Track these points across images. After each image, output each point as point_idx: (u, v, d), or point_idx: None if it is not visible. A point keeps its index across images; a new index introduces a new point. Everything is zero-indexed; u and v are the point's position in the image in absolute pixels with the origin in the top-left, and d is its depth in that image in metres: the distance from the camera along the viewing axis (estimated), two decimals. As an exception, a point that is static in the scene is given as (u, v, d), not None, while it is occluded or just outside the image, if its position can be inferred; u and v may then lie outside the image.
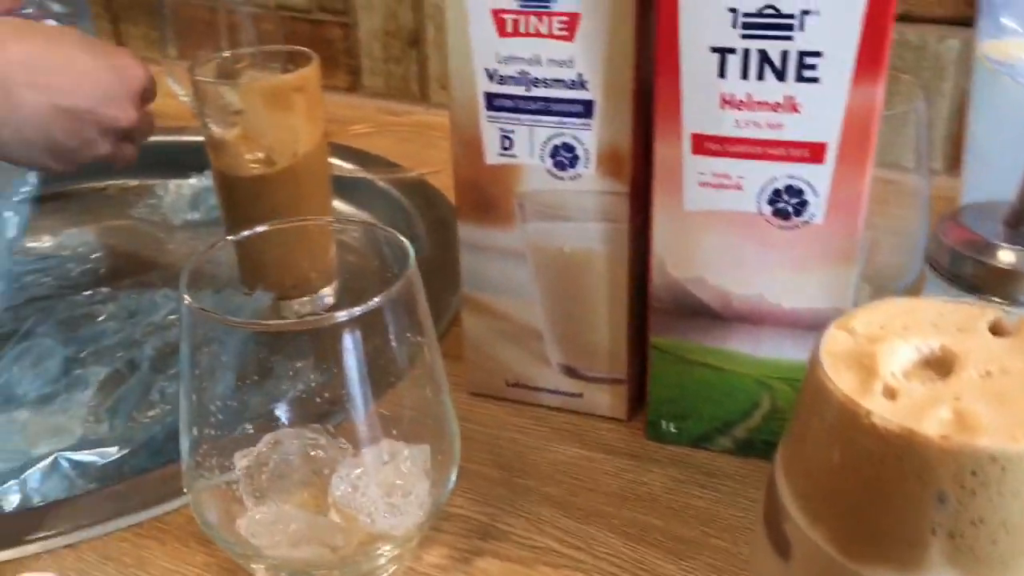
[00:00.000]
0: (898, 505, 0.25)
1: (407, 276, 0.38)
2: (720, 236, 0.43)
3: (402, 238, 0.40)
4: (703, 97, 0.41)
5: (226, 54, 0.67)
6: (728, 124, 0.41)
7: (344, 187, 0.82)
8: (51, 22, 0.71)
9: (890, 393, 0.30)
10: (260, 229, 0.44)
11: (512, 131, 0.46)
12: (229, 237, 0.43)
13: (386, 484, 0.41)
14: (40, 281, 0.73)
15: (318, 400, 0.43)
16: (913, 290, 0.50)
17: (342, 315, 0.36)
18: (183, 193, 0.86)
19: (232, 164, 0.64)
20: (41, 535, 0.45)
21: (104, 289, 0.70)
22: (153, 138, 0.92)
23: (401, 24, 0.97)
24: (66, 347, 0.63)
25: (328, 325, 0.37)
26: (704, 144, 0.42)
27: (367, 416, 0.41)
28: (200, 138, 0.64)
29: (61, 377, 0.61)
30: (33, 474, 0.51)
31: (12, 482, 0.51)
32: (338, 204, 0.81)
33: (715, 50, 0.40)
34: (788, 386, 0.46)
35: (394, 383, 0.40)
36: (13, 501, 0.51)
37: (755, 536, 0.33)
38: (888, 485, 0.25)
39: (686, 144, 0.42)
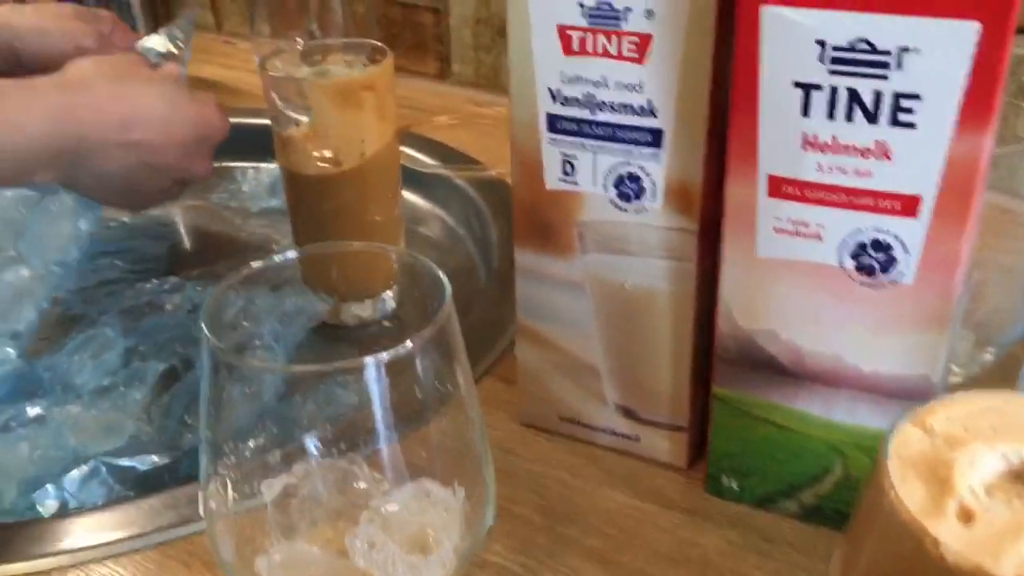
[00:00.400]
0: None
1: (440, 318, 0.35)
2: (795, 288, 0.39)
3: (441, 275, 0.37)
4: (783, 136, 0.36)
5: (300, 45, 0.65)
6: (810, 167, 0.36)
7: (421, 181, 0.80)
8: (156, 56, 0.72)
9: (966, 515, 0.26)
10: (301, 252, 0.43)
11: (574, 156, 0.43)
12: (255, 264, 0.41)
13: (412, 533, 0.39)
14: (112, 264, 0.73)
15: (346, 435, 0.41)
16: None
17: (369, 360, 0.34)
18: (261, 180, 0.85)
19: (298, 162, 0.62)
20: (67, 548, 0.45)
21: (172, 278, 0.70)
22: (237, 119, 0.92)
23: (493, 12, 0.93)
24: (127, 338, 0.62)
25: (356, 368, 0.35)
26: (782, 187, 0.37)
27: (395, 455, 0.39)
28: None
29: (120, 370, 0.60)
30: (73, 478, 0.51)
31: (51, 486, 0.50)
32: (413, 199, 0.79)
33: (799, 85, 0.35)
34: (865, 455, 0.41)
35: (426, 422, 0.38)
36: (51, 506, 0.50)
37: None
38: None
39: (762, 186, 0.38)
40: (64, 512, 0.51)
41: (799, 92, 0.35)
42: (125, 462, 0.52)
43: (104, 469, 0.51)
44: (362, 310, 0.65)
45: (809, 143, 0.36)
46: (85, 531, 0.46)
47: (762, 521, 0.45)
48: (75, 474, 0.51)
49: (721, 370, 0.43)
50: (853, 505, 0.29)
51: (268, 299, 0.58)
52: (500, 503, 0.39)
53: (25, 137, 0.54)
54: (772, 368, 0.41)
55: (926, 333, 0.38)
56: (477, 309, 0.63)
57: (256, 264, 0.40)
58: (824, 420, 0.41)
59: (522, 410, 0.51)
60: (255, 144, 0.86)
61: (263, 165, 0.87)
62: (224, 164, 0.89)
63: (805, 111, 0.35)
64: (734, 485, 0.45)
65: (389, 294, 0.65)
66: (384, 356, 0.34)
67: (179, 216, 0.84)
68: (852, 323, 0.39)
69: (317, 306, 0.61)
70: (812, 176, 0.36)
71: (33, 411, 0.56)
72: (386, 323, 0.65)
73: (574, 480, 0.48)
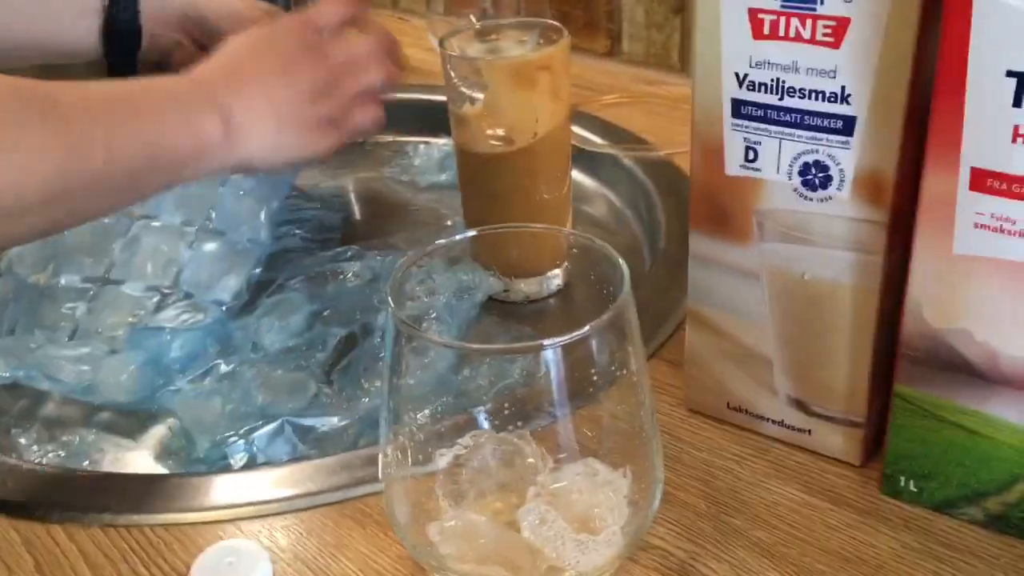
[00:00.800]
0: None
1: (619, 305, 0.35)
2: (994, 287, 0.37)
3: (620, 260, 0.37)
4: (991, 127, 0.34)
5: (478, 24, 0.66)
6: (1020, 161, 0.34)
7: (588, 161, 0.80)
8: None
9: None
10: (481, 231, 0.43)
11: (758, 142, 0.42)
12: (439, 242, 0.42)
13: (579, 512, 0.39)
14: (292, 232, 0.77)
15: (518, 410, 0.41)
16: None
17: (547, 343, 0.34)
18: (432, 155, 0.86)
19: (471, 139, 0.63)
20: (251, 500, 0.47)
21: (352, 248, 0.72)
22: (410, 95, 0.95)
23: (667, -11, 0.92)
24: (311, 303, 0.65)
25: (534, 349, 0.35)
26: (986, 181, 0.35)
27: (566, 434, 0.39)
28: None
29: (304, 332, 0.63)
30: (261, 434, 0.54)
31: (242, 441, 0.53)
32: (580, 178, 0.79)
33: (1012, 74, 0.33)
34: (1060, 465, 0.39)
35: (598, 403, 0.38)
36: (240, 459, 0.53)
37: None
38: None
39: (963, 178, 0.36)
40: (251, 465, 0.54)
41: (1011, 81, 0.33)
42: (307, 421, 0.55)
43: (289, 427, 0.54)
44: (529, 287, 0.65)
45: (1020, 135, 0.34)
46: (269, 485, 0.48)
47: (942, 526, 0.43)
48: (263, 430, 0.54)
49: (905, 368, 0.41)
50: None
51: (444, 274, 0.59)
52: (665, 488, 0.39)
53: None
54: (963, 369, 0.39)
55: None
56: (642, 291, 0.63)
57: (439, 242, 0.41)
58: (1017, 426, 0.39)
59: (688, 396, 0.51)
60: (427, 120, 0.89)
61: (434, 140, 0.89)
62: (398, 139, 0.92)
63: (1017, 101, 0.33)
64: (912, 487, 0.43)
65: (557, 272, 0.66)
66: (562, 339, 0.35)
67: (352, 188, 0.88)
68: (1056, 327, 0.36)
69: (489, 282, 0.62)
70: (1021, 170, 0.34)
71: (226, 367, 0.59)
72: (551, 300, 0.66)
73: (741, 470, 0.47)
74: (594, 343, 0.35)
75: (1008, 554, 0.41)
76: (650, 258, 0.70)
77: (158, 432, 0.58)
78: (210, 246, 0.66)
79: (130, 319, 0.62)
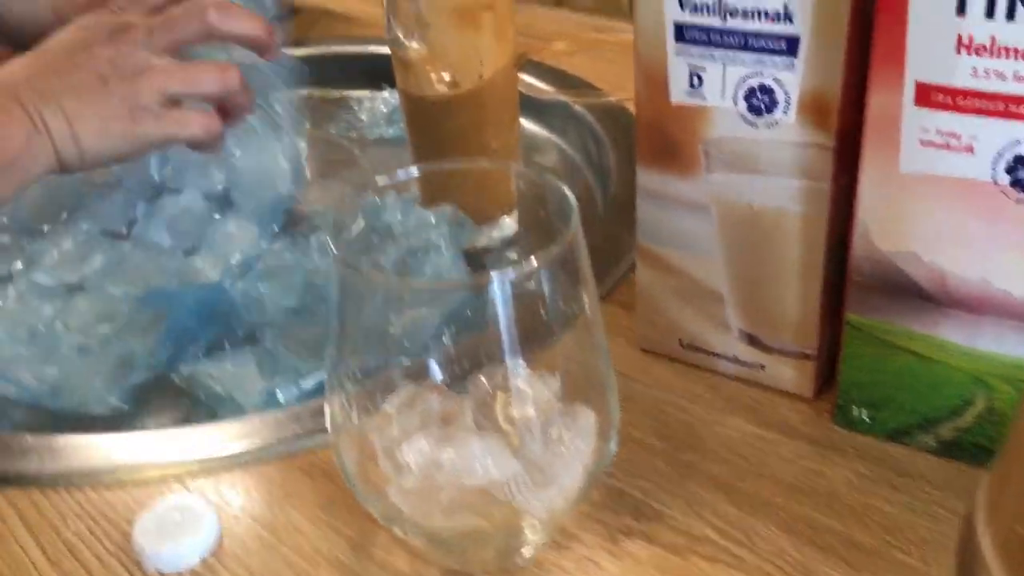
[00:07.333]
0: None
1: (567, 237, 0.34)
2: (941, 206, 0.36)
3: (568, 192, 0.36)
4: (934, 38, 0.34)
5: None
6: (963, 73, 0.33)
7: (537, 109, 0.78)
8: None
9: None
10: (426, 167, 0.42)
11: (703, 68, 0.41)
12: (378, 178, 0.40)
13: (539, 455, 0.38)
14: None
15: (469, 354, 0.40)
16: None
17: (495, 275, 0.33)
18: (378, 108, 0.85)
19: (417, 84, 0.61)
20: (196, 458, 0.46)
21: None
22: (351, 48, 0.92)
23: (614, -68, 0.90)
24: (304, 260, 0.64)
25: (481, 284, 0.34)
26: (931, 95, 0.35)
27: (520, 376, 0.38)
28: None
29: (306, 290, 0.62)
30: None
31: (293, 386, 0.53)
32: (529, 126, 0.78)
33: (955, -19, 0.32)
34: (1011, 387, 0.39)
35: (551, 343, 0.37)
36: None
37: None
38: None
39: (908, 94, 0.35)
40: (195, 420, 0.53)
41: (955, -11, 0.32)
42: None
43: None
44: (478, 236, 0.64)
45: (964, 45, 0.33)
46: (214, 440, 0.47)
47: (894, 454, 0.43)
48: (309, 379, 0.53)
49: (855, 295, 0.41)
50: (998, 439, 0.27)
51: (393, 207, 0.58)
52: (619, 428, 0.39)
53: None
54: (912, 293, 0.39)
55: (1088, 255, 0.35)
56: (594, 236, 0.62)
57: (381, 180, 0.40)
58: (968, 349, 0.39)
59: (640, 335, 0.50)
60: (370, 73, 0.87)
61: (378, 94, 0.87)
62: (344, 93, 0.89)
63: (961, 9, 0.33)
64: (865, 416, 0.43)
65: (508, 220, 0.65)
66: (511, 273, 0.33)
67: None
68: (1005, 245, 0.36)
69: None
70: (966, 82, 0.34)
71: (241, 332, 0.58)
72: (510, 255, 0.65)
73: (694, 407, 0.47)
74: (544, 278, 0.34)
75: (962, 479, 0.41)
76: (602, 204, 0.69)
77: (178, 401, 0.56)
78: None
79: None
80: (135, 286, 0.63)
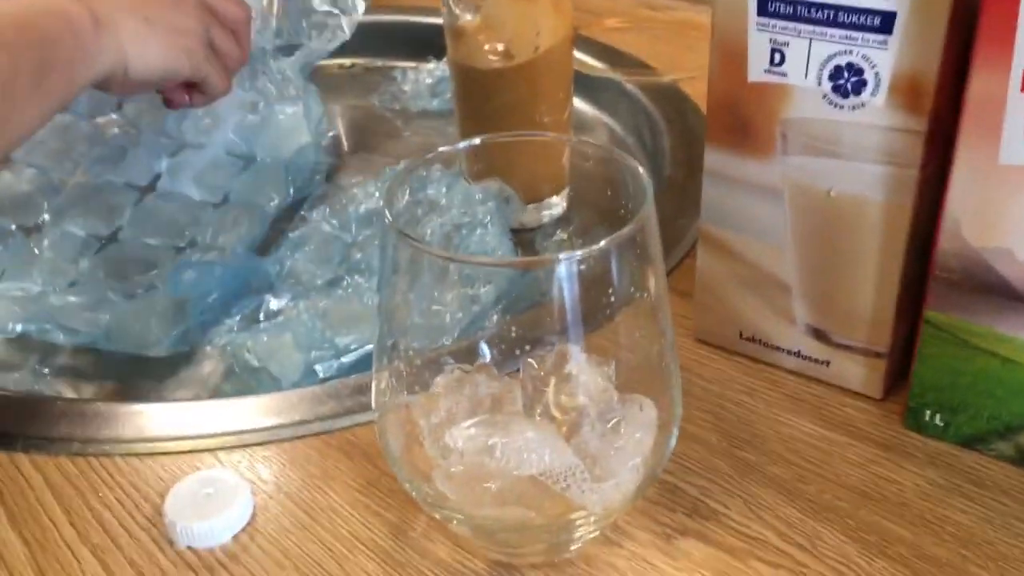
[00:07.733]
0: None
1: (641, 218, 0.32)
2: (1043, 200, 0.34)
3: (643, 172, 0.34)
4: (1051, 18, 0.31)
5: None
6: (1081, 57, 0.31)
7: (588, 86, 0.76)
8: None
9: None
10: (488, 139, 0.39)
11: (786, 43, 0.38)
12: (442, 149, 0.38)
13: (595, 446, 0.36)
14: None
15: (526, 335, 0.38)
16: None
17: (562, 256, 0.31)
18: (422, 80, 0.82)
19: (470, 55, 0.59)
20: (231, 430, 0.45)
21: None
22: (396, 17, 0.90)
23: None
24: (343, 232, 0.62)
25: (546, 263, 0.32)
26: (1042, 80, 0.32)
27: (578, 362, 0.36)
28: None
29: (343, 262, 0.60)
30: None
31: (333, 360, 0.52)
32: (580, 105, 0.75)
33: (1081, -45, 0.30)
34: (1103, 397, 0.36)
35: (611, 329, 0.35)
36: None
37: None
38: None
39: (1015, 78, 0.32)
40: (233, 393, 0.51)
41: (1080, -36, 0.30)
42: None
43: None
44: (528, 214, 0.62)
45: (1085, 26, 0.30)
46: (250, 414, 0.46)
47: (969, 462, 0.40)
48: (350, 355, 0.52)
49: (938, 292, 0.38)
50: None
51: (439, 181, 0.56)
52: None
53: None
54: (1001, 292, 0.36)
55: None
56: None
57: (429, 154, 0.38)
58: (1059, 355, 0.36)
59: (697, 325, 0.48)
60: (415, 43, 0.85)
61: (423, 65, 0.84)
62: (388, 63, 0.87)
63: (1085, -14, 0.30)
64: (938, 420, 0.41)
65: (558, 199, 0.63)
66: (577, 254, 0.31)
67: (340, 115, 0.83)
68: (1110, 244, 0.33)
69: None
70: (1084, 67, 0.31)
71: (276, 304, 0.56)
72: (560, 233, 0.62)
73: (755, 404, 0.44)
74: (613, 260, 0.32)
75: (1041, 492, 0.39)
76: (656, 187, 0.66)
77: (208, 372, 0.54)
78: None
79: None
80: (170, 237, 0.63)
